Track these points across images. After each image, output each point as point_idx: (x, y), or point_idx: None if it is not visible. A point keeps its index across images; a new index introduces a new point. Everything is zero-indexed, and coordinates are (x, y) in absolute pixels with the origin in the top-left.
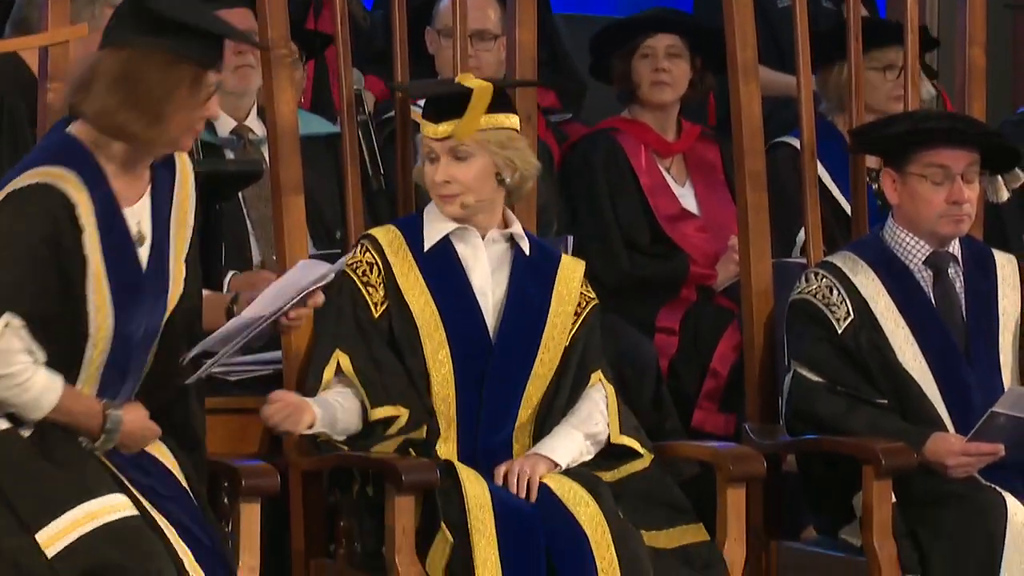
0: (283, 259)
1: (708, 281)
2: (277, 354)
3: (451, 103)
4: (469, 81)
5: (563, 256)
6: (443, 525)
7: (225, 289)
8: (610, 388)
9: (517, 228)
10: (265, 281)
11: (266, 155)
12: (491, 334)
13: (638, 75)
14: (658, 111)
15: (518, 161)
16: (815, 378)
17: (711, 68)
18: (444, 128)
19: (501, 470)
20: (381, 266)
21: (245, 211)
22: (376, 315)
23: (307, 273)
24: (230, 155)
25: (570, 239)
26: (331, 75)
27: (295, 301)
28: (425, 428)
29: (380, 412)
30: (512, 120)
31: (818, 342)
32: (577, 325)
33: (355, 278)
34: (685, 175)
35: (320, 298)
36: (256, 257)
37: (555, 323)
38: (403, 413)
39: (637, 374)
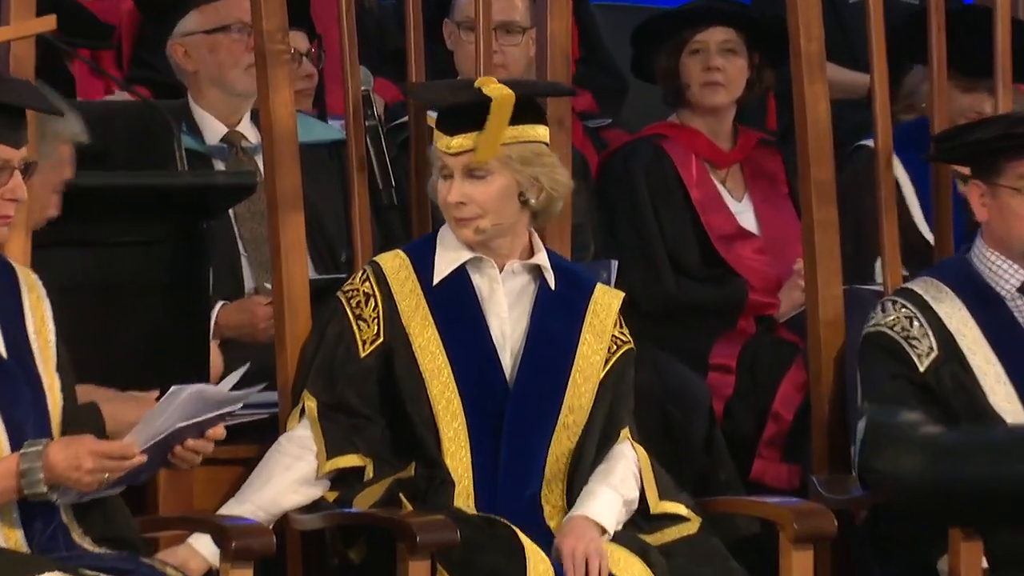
0: (279, 284)
1: (769, 311)
2: (272, 396)
3: (468, 114)
4: (489, 88)
5: (597, 287)
6: None
7: (213, 322)
8: (642, 451)
9: (542, 258)
10: (254, 315)
11: (260, 165)
12: (508, 379)
13: (687, 74)
14: (711, 115)
15: (545, 180)
16: None
17: (771, 65)
18: (459, 142)
19: (565, 553)
20: (379, 299)
21: (236, 230)
22: (363, 352)
23: (198, 406)
24: (219, 165)
25: (613, 265)
26: (327, 73)
27: (189, 424)
28: (413, 466)
29: (340, 462)
30: (540, 132)
31: (896, 381)
32: (606, 371)
33: (347, 309)
34: (742, 188)
35: (221, 432)
36: (248, 283)
37: (585, 365)
38: (367, 463)
39: (687, 417)
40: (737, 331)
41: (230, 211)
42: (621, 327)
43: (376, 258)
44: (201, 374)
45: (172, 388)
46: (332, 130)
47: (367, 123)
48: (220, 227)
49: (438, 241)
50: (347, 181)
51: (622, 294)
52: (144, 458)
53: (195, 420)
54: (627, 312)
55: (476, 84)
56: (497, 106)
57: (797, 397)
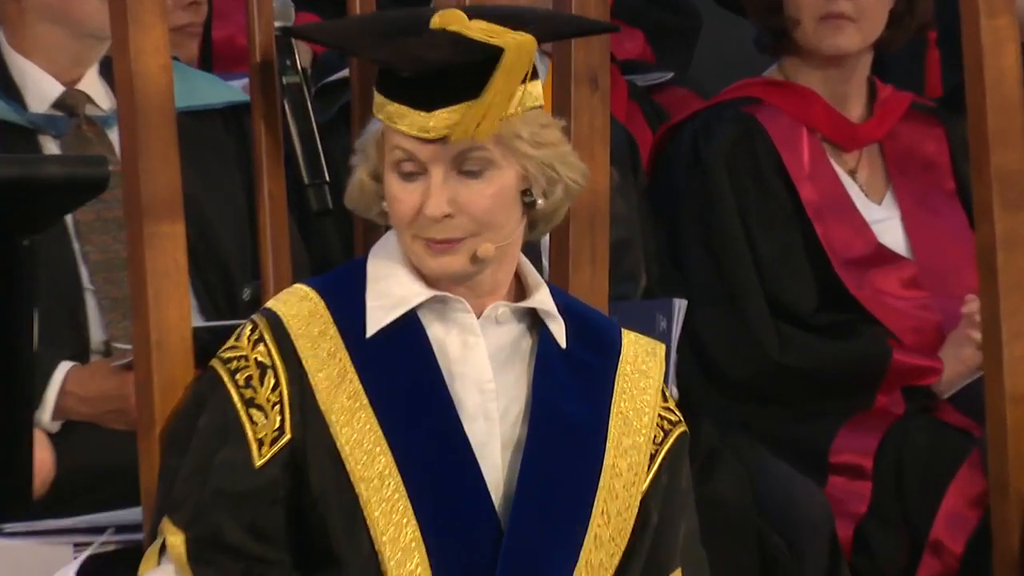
0: (144, 337)
1: (925, 379)
2: (133, 515)
3: (457, 75)
4: (474, 30)
5: (625, 338)
6: None
7: (55, 392)
8: None
9: (543, 298)
10: (111, 379)
11: (116, 145)
12: (495, 497)
13: (796, 5)
14: (833, 67)
15: (561, 168)
16: None
17: None
18: (442, 120)
19: None
20: (282, 370)
21: (77, 248)
22: (259, 460)
23: None
24: (51, 147)
25: (678, 306)
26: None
27: None
28: None
29: None
30: (538, 91)
31: None
32: (653, 473)
33: (232, 389)
34: (883, 183)
35: None
36: (97, 332)
37: (618, 464)
38: None
39: (795, 546)
40: (874, 412)
41: (67, 219)
42: (665, 400)
43: (271, 304)
44: (15, 494)
45: None
46: (229, 90)
47: (284, 80)
48: (52, 245)
49: (369, 271)
50: (252, 171)
51: (662, 346)
52: None
53: None
54: (696, 382)
55: (436, 20)
56: (512, 59)
57: (970, 516)
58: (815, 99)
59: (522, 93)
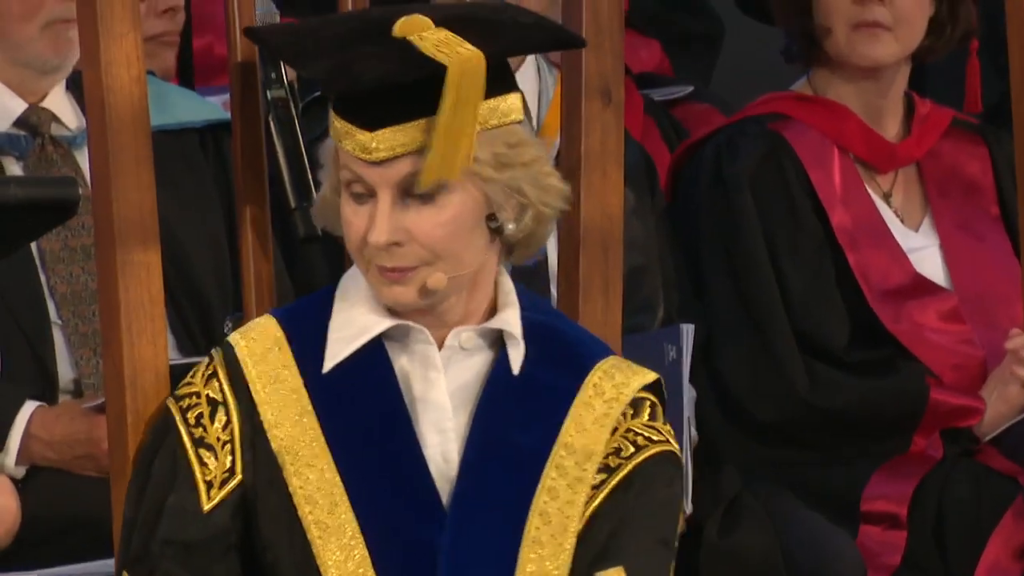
0: (117, 374)
1: (966, 420)
2: (105, 566)
3: (404, 91)
4: (427, 41)
5: (601, 363)
6: None
7: (18, 437)
8: None
9: (507, 316)
10: (98, 424)
11: (85, 167)
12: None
13: (829, 8)
14: (868, 81)
15: (531, 189)
16: None
17: None
18: (388, 141)
19: None
20: (234, 404)
21: (43, 279)
22: (207, 505)
23: None
24: (14, 168)
25: (686, 332)
26: (199, 7)
27: None
28: None
29: None
30: (513, 104)
31: None
32: (609, 488)
33: (182, 429)
34: (920, 207)
35: None
36: (65, 371)
37: (555, 485)
38: None
39: None
40: (910, 456)
41: (32, 248)
42: (651, 419)
43: (232, 336)
44: None
45: None
46: (208, 107)
47: (269, 94)
48: (14, 276)
49: (336, 300)
50: (233, 194)
51: (653, 376)
52: None
53: None
54: (717, 423)
55: (398, 27)
56: (458, 78)
57: (1014, 569)
58: (848, 116)
59: (489, 107)
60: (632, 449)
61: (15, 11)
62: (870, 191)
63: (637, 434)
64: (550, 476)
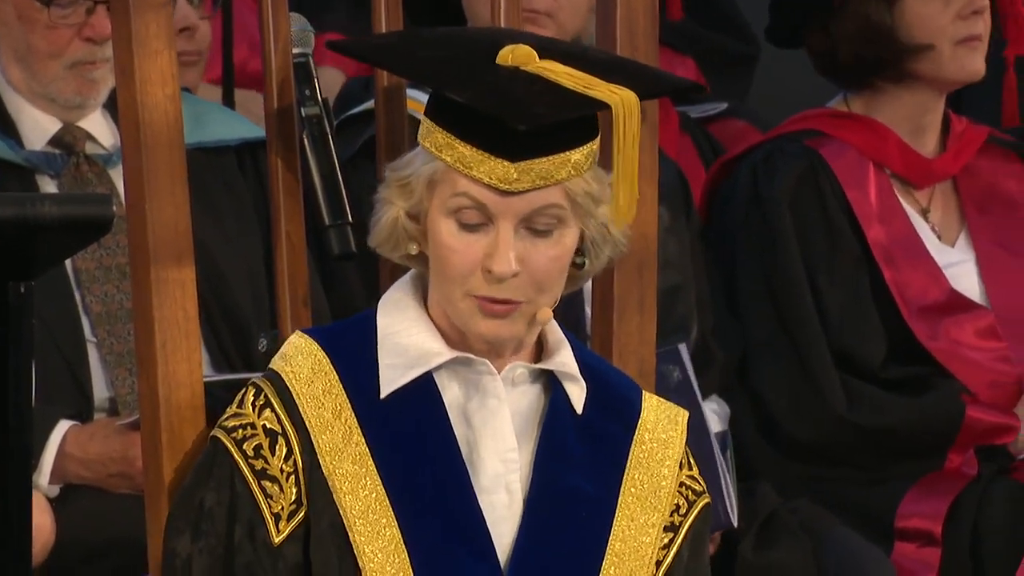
0: (152, 393)
1: (1002, 438)
2: None
3: (550, 126)
4: (560, 75)
5: (645, 403)
6: None
7: (52, 455)
8: None
9: (564, 358)
10: (133, 443)
11: (120, 185)
12: (505, 569)
13: (927, 31)
14: (929, 96)
15: (613, 227)
16: None
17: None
18: (527, 172)
19: None
20: (294, 434)
21: (78, 298)
22: (277, 538)
23: None
24: (49, 186)
25: (684, 350)
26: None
27: None
28: None
29: None
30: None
31: None
32: (676, 547)
33: (240, 461)
34: (956, 223)
35: None
36: (101, 388)
37: (629, 541)
38: None
39: None
40: (945, 474)
41: (66, 265)
42: (691, 468)
43: (274, 363)
44: (12, 563)
45: None
46: (244, 125)
47: (303, 112)
48: (49, 294)
49: (381, 325)
50: (268, 212)
51: (685, 413)
52: None
53: None
54: (753, 440)
55: (508, 56)
56: (626, 119)
57: None
58: (885, 132)
59: (589, 149)
60: (687, 506)
61: (42, 49)
62: (907, 207)
63: (688, 488)
64: (620, 525)
